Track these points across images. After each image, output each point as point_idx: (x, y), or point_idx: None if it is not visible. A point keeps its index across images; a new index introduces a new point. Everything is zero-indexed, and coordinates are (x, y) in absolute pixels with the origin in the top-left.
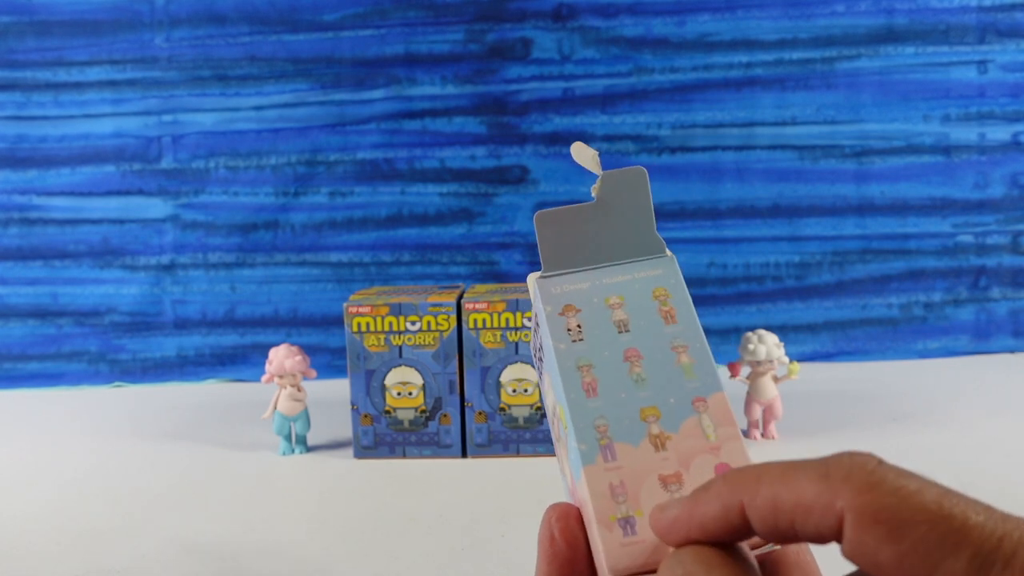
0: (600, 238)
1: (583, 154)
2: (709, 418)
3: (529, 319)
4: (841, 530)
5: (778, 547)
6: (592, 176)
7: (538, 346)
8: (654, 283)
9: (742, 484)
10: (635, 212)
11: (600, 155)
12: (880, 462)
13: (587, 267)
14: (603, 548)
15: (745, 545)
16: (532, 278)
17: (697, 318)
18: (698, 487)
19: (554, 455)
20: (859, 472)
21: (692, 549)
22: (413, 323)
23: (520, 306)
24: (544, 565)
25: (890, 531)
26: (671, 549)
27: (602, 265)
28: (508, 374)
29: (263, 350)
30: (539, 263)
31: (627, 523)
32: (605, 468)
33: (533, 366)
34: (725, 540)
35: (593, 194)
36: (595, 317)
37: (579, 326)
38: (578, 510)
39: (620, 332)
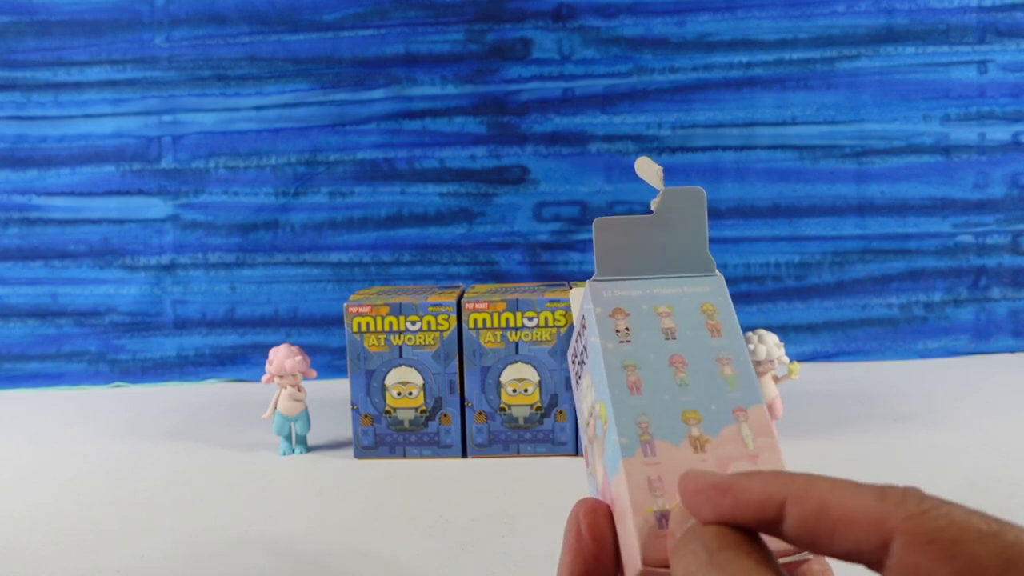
0: (654, 250)
1: (647, 169)
2: (748, 428)
3: (529, 319)
4: (883, 550)
5: (811, 557)
6: (653, 191)
7: (581, 349)
8: (702, 298)
9: (792, 482)
10: (690, 229)
11: (664, 171)
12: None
13: (639, 276)
14: (637, 538)
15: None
16: (577, 291)
17: (742, 335)
18: (744, 471)
19: (554, 455)
20: (913, 497)
21: (715, 528)
22: (413, 323)
23: (520, 306)
24: (568, 559)
25: (944, 550)
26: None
27: (654, 276)
28: (508, 374)
29: (263, 350)
30: (538, 263)
31: (663, 516)
32: (644, 462)
33: (570, 375)
34: (746, 526)
35: (652, 208)
36: (644, 322)
37: (627, 328)
38: (607, 507)
39: (667, 339)
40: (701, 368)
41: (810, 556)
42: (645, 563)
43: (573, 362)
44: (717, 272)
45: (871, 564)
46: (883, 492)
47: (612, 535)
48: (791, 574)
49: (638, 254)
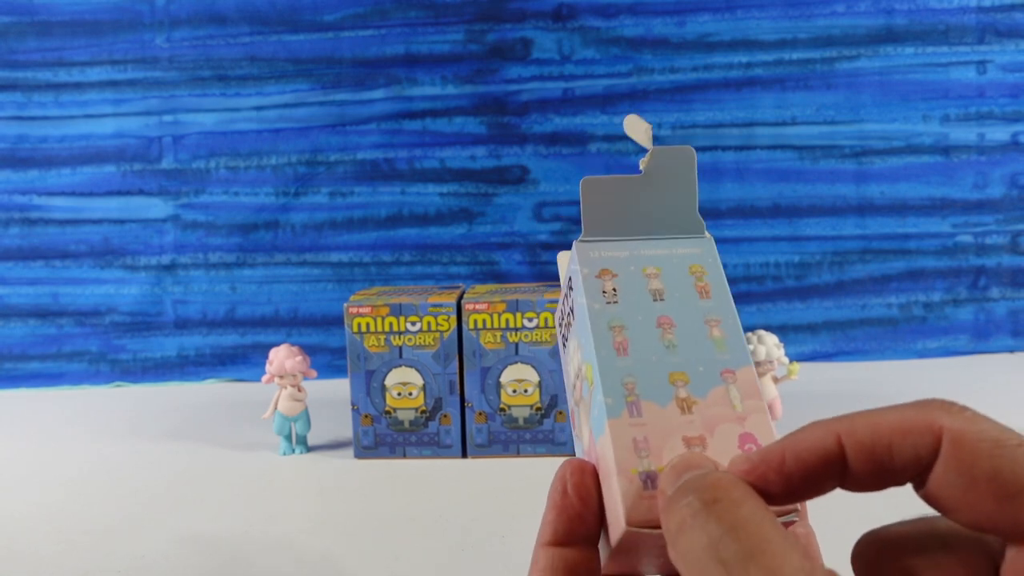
0: (643, 211)
1: (636, 127)
2: (736, 389)
3: (529, 319)
4: (934, 452)
5: (797, 519)
6: (643, 150)
7: (567, 311)
8: (691, 260)
9: (836, 420)
10: (680, 190)
11: (652, 129)
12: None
13: (627, 237)
14: (622, 498)
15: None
16: (564, 253)
17: (731, 297)
18: (787, 434)
19: (554, 455)
20: (951, 403)
21: (709, 480)
22: (413, 323)
23: (520, 307)
24: (552, 517)
25: (990, 449)
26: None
27: (642, 237)
28: (508, 374)
29: (263, 350)
30: (538, 263)
31: (648, 477)
32: (630, 423)
33: (558, 337)
34: (820, 475)
35: (641, 167)
36: (631, 283)
37: (615, 289)
38: (593, 467)
39: (655, 300)
40: (689, 329)
41: (796, 518)
42: (629, 523)
43: (559, 324)
44: (707, 233)
45: (919, 474)
46: (922, 402)
47: (597, 495)
48: None
49: (626, 214)
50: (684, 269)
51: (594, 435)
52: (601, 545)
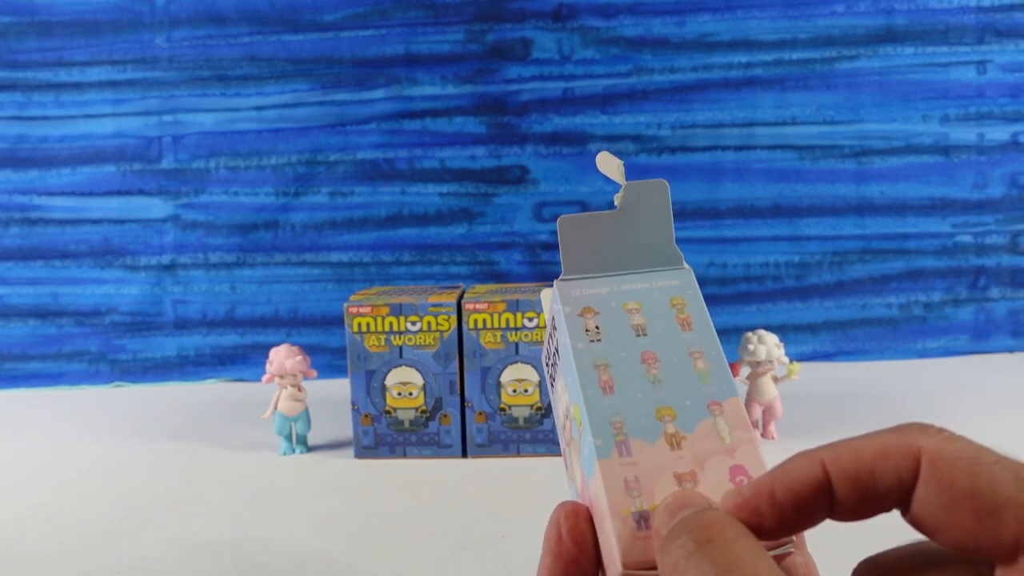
0: (620, 246)
1: (608, 163)
2: (724, 421)
3: (529, 319)
4: (914, 475)
5: (793, 550)
6: (616, 186)
7: (553, 351)
8: (672, 292)
9: (820, 449)
10: (656, 223)
11: (625, 165)
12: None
13: (607, 273)
14: (616, 540)
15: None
16: (547, 291)
17: (713, 328)
18: (773, 467)
19: (554, 455)
20: (928, 425)
21: (703, 519)
22: (413, 323)
23: (520, 306)
24: (549, 562)
25: (967, 468)
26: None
27: (621, 272)
28: (508, 374)
29: (263, 350)
30: (538, 263)
31: (641, 517)
32: (620, 463)
33: (544, 377)
34: (810, 505)
35: (616, 203)
36: (613, 320)
37: (597, 327)
38: (587, 509)
39: (638, 336)
40: (673, 363)
41: (792, 550)
42: (625, 566)
43: (547, 364)
44: (685, 265)
45: (903, 499)
46: (901, 426)
47: (593, 538)
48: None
49: (604, 251)
50: (665, 302)
51: (586, 477)
52: None
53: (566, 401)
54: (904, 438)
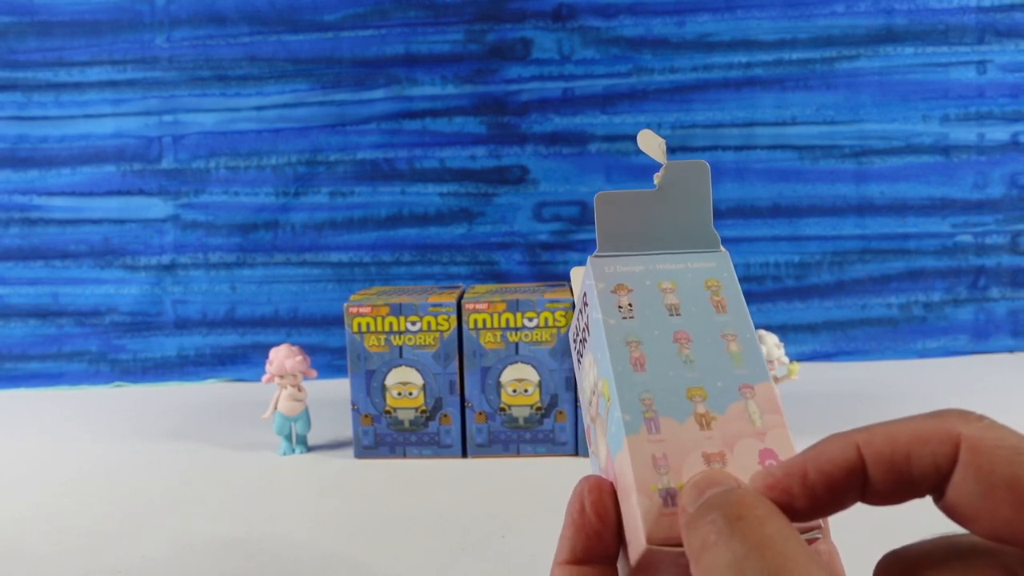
0: (657, 226)
1: (650, 142)
2: (755, 405)
3: (529, 319)
4: (952, 461)
5: (820, 536)
6: (655, 164)
7: (582, 327)
8: (707, 274)
9: (855, 432)
10: (694, 204)
11: (666, 143)
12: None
13: (642, 252)
14: (642, 516)
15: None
16: (578, 269)
17: (748, 311)
18: (807, 448)
19: (554, 454)
20: (968, 412)
21: (733, 496)
22: (413, 323)
23: (520, 306)
24: (571, 534)
25: (1009, 457)
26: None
27: (657, 252)
28: (508, 374)
29: (263, 350)
30: (538, 263)
31: (668, 494)
32: (648, 439)
33: (572, 354)
34: (842, 488)
35: (656, 182)
36: (647, 298)
37: (630, 304)
38: (611, 484)
39: (671, 315)
40: (706, 344)
41: (819, 535)
42: (650, 541)
43: (574, 340)
44: (722, 248)
45: (938, 485)
46: (939, 412)
47: (616, 513)
48: None
49: (641, 229)
50: (700, 283)
51: (611, 452)
52: (620, 563)
53: (594, 376)
54: (943, 424)
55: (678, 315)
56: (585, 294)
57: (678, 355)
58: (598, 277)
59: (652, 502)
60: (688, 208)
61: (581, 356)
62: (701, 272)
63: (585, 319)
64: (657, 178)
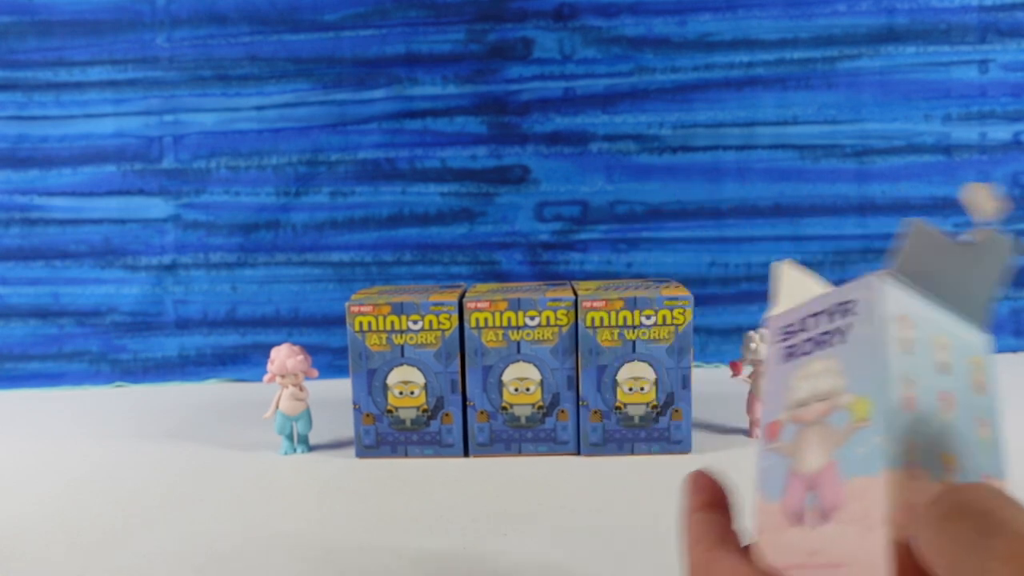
0: (949, 280)
1: (982, 198)
2: None
3: (531, 317)
4: None
5: None
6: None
7: (827, 329)
8: (974, 350)
9: None
10: (986, 277)
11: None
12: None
13: (929, 296)
14: (884, 551)
15: None
16: (787, 265)
17: (998, 404)
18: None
19: (556, 454)
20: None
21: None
22: (415, 322)
23: (521, 305)
24: (694, 489)
25: None
26: None
27: (939, 305)
28: (510, 373)
29: (264, 350)
30: (539, 263)
31: (905, 544)
32: (908, 481)
33: (774, 346)
34: None
35: (973, 238)
36: (924, 345)
37: (911, 341)
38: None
39: (939, 372)
40: (964, 417)
41: None
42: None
43: (786, 332)
44: (986, 332)
45: None
46: None
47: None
48: None
49: (935, 275)
50: (967, 356)
51: (842, 469)
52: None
53: (834, 385)
54: None
55: (948, 375)
56: (855, 302)
57: (939, 415)
58: (888, 296)
59: (899, 543)
60: (980, 278)
61: (798, 355)
62: (970, 345)
63: (838, 324)
64: (978, 236)
